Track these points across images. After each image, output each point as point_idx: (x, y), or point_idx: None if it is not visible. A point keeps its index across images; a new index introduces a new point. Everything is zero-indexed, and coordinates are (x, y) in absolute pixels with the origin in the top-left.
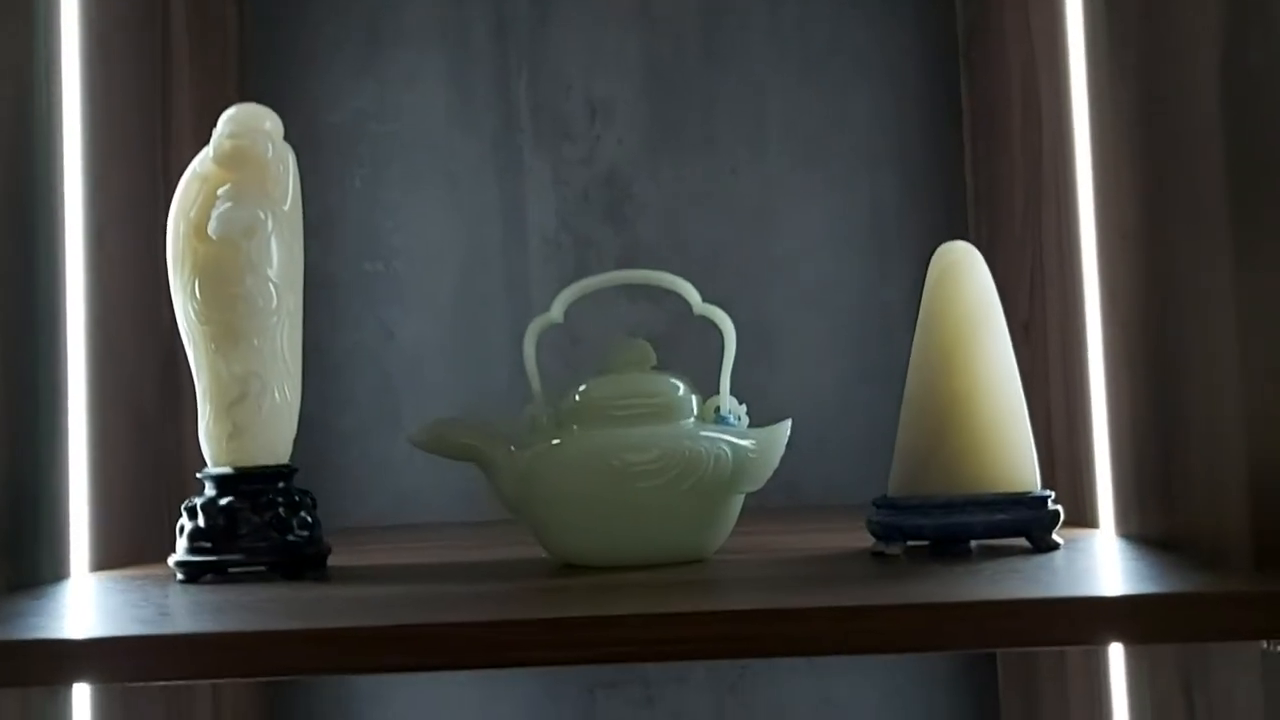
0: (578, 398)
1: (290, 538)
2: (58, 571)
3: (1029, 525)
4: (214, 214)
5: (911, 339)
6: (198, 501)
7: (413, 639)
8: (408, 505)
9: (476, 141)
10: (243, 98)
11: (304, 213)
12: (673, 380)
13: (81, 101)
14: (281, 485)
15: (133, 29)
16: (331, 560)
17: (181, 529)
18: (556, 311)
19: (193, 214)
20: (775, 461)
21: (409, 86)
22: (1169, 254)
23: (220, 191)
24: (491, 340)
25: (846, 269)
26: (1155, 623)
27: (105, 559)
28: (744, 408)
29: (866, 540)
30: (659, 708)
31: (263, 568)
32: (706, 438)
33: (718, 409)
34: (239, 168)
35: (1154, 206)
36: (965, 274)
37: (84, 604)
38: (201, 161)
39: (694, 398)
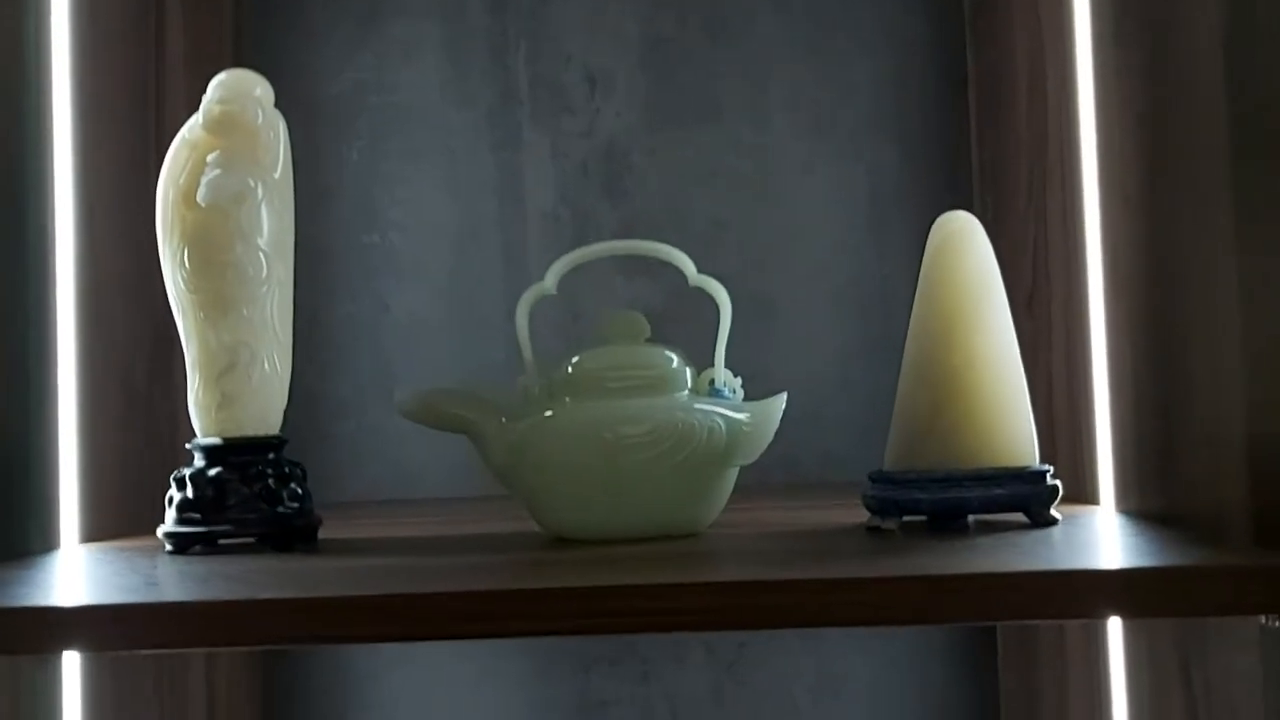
0: (570, 369)
1: (280, 509)
2: (47, 543)
3: (1027, 500)
4: (203, 181)
5: None
6: (186, 472)
7: (399, 609)
8: (403, 479)
9: (474, 114)
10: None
11: (301, 185)
12: (667, 352)
13: (72, 73)
14: (271, 456)
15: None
16: (323, 533)
17: (170, 500)
18: (550, 282)
19: (182, 181)
20: (770, 435)
21: (407, 59)
22: (1170, 227)
23: (209, 158)
24: (488, 314)
25: (849, 243)
26: (1152, 596)
27: (95, 531)
28: (739, 380)
29: (863, 515)
30: (655, 686)
31: (252, 539)
32: (700, 410)
33: (712, 381)
34: (228, 134)
35: (1156, 178)
36: (965, 244)
37: (71, 574)
38: (191, 128)
39: (688, 370)
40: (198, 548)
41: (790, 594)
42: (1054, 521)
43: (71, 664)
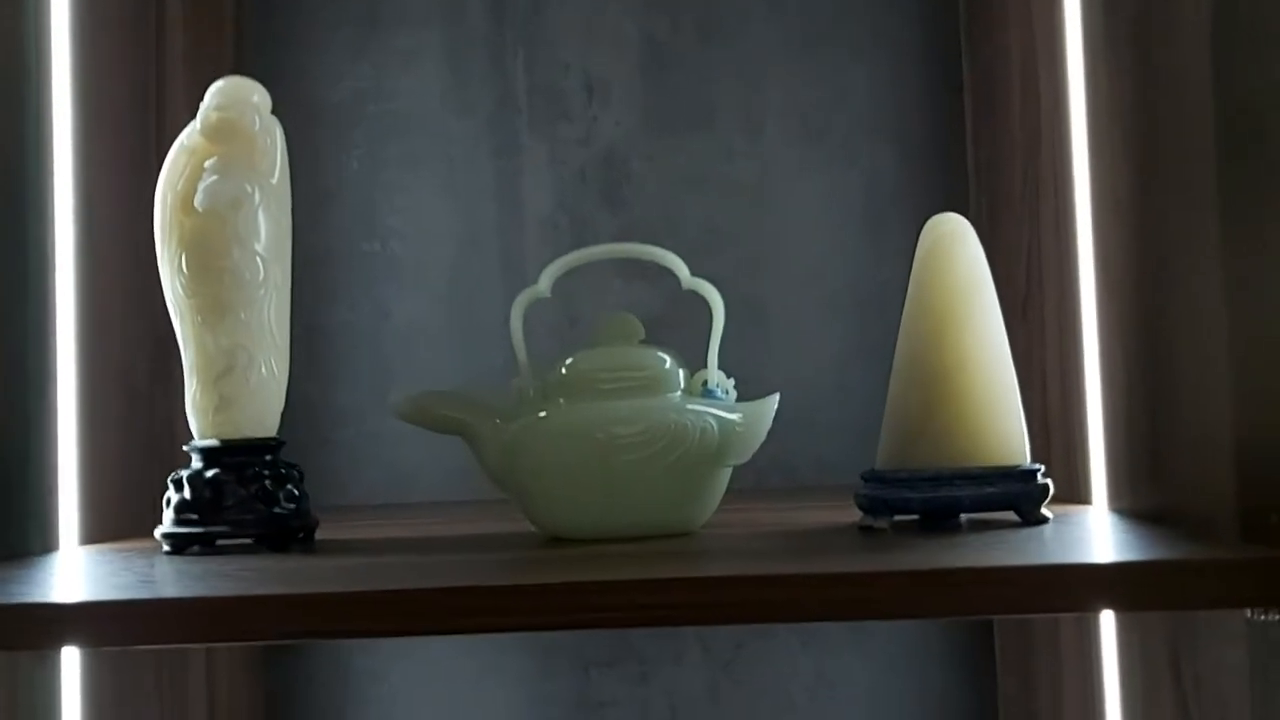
0: (564, 370)
1: (276, 510)
2: (46, 544)
3: (1018, 499)
4: (200, 186)
5: None
6: (184, 474)
7: (395, 604)
8: (403, 483)
9: (473, 122)
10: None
11: (301, 192)
12: (660, 354)
13: (73, 79)
14: (268, 458)
15: (127, 6)
16: (320, 534)
17: (168, 501)
18: (544, 285)
19: (180, 186)
20: (762, 435)
21: (406, 67)
22: (1160, 230)
23: (207, 164)
24: (487, 320)
25: (845, 247)
26: (1141, 590)
27: (94, 532)
28: (732, 381)
29: (855, 516)
30: (653, 685)
31: (249, 540)
32: (692, 411)
33: (705, 383)
34: (226, 140)
35: (1145, 182)
36: (956, 246)
37: (70, 573)
38: (189, 134)
39: (681, 371)
40: (195, 548)
41: (781, 588)
42: (1045, 520)
43: (71, 661)
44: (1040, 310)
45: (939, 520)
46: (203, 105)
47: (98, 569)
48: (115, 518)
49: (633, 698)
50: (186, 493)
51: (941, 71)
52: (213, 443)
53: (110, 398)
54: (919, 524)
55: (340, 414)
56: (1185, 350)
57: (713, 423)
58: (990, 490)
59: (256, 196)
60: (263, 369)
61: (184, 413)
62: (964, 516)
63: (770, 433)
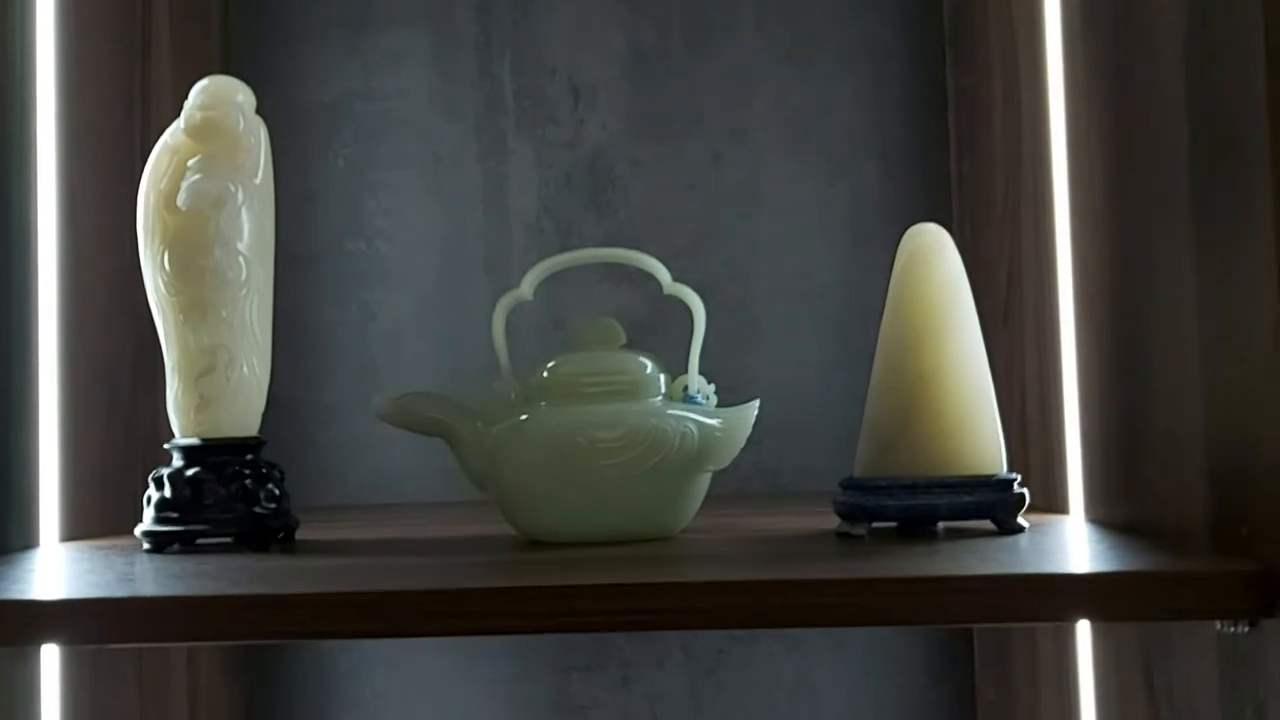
0: (546, 374)
1: (257, 509)
2: (27, 541)
3: (994, 507)
4: (184, 185)
5: None
6: (165, 472)
7: (373, 605)
8: (387, 484)
9: (460, 124)
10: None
11: (287, 192)
12: (640, 359)
13: (58, 77)
14: (249, 457)
15: (114, 5)
16: (301, 534)
17: (149, 499)
18: (526, 288)
19: (163, 185)
20: (742, 440)
21: (393, 68)
22: (1135, 243)
23: (190, 163)
24: (472, 322)
25: (829, 255)
26: (1111, 601)
27: (75, 529)
28: (712, 387)
29: (834, 522)
30: (635, 689)
31: (229, 539)
32: (673, 416)
33: (686, 388)
34: (210, 139)
35: (1123, 192)
36: (934, 256)
37: (50, 570)
38: (173, 133)
39: (662, 376)
40: (175, 547)
41: (753, 595)
42: (1021, 529)
43: (51, 659)
44: (1020, 320)
45: (916, 528)
46: (187, 104)
47: (78, 566)
48: (96, 515)
49: (614, 702)
50: (167, 491)
51: (926, 84)
52: (193, 441)
53: (92, 395)
54: (896, 531)
55: (324, 414)
56: (1160, 363)
57: (693, 428)
58: (967, 499)
59: (240, 196)
60: (244, 368)
61: (164, 411)
62: (941, 524)
63: (752, 438)
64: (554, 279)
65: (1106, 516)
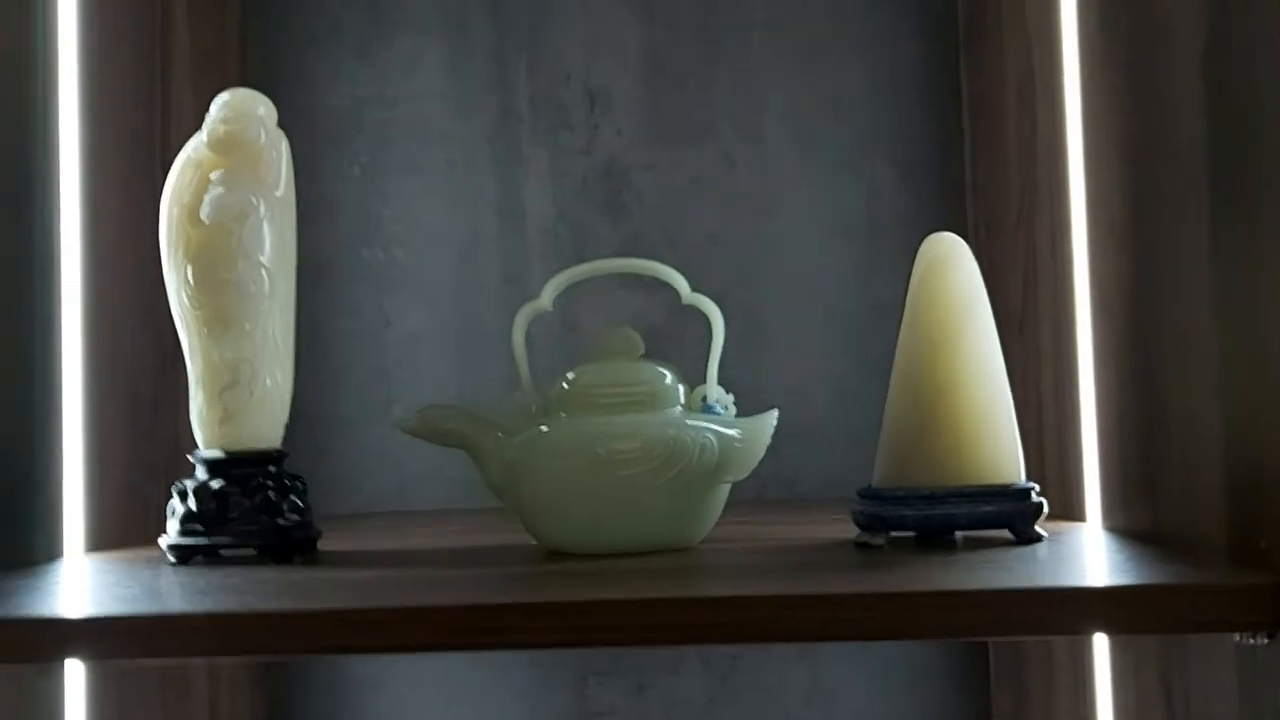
0: (565, 385)
1: (280, 521)
2: (51, 552)
3: (1012, 517)
4: (206, 199)
5: None
6: (189, 484)
7: (397, 622)
8: (402, 492)
9: (475, 130)
10: (243, 83)
11: (302, 198)
12: (660, 369)
13: (79, 86)
14: (272, 469)
15: (132, 13)
16: (322, 544)
17: (173, 511)
18: (546, 299)
19: (186, 199)
20: (761, 451)
21: (409, 74)
22: (1154, 250)
23: (213, 176)
24: (488, 328)
25: (844, 259)
26: (1130, 614)
27: (99, 540)
28: (731, 397)
29: (853, 531)
30: (651, 696)
31: (253, 550)
32: (692, 427)
33: (705, 398)
34: (232, 153)
35: (1141, 202)
36: (952, 266)
37: (75, 584)
38: (195, 146)
39: (681, 387)
40: (199, 558)
41: (773, 610)
42: (1039, 538)
43: (76, 671)
44: (1036, 327)
45: (934, 537)
46: (209, 118)
47: (104, 579)
48: (119, 525)
49: (630, 708)
50: (191, 503)
51: (940, 88)
52: (217, 454)
53: (114, 407)
54: (915, 541)
55: (339, 421)
56: (1177, 372)
57: (712, 439)
58: (985, 508)
59: (262, 209)
60: (267, 381)
61: (187, 422)
62: (959, 534)
63: (769, 445)
64: (568, 285)
65: (1124, 525)
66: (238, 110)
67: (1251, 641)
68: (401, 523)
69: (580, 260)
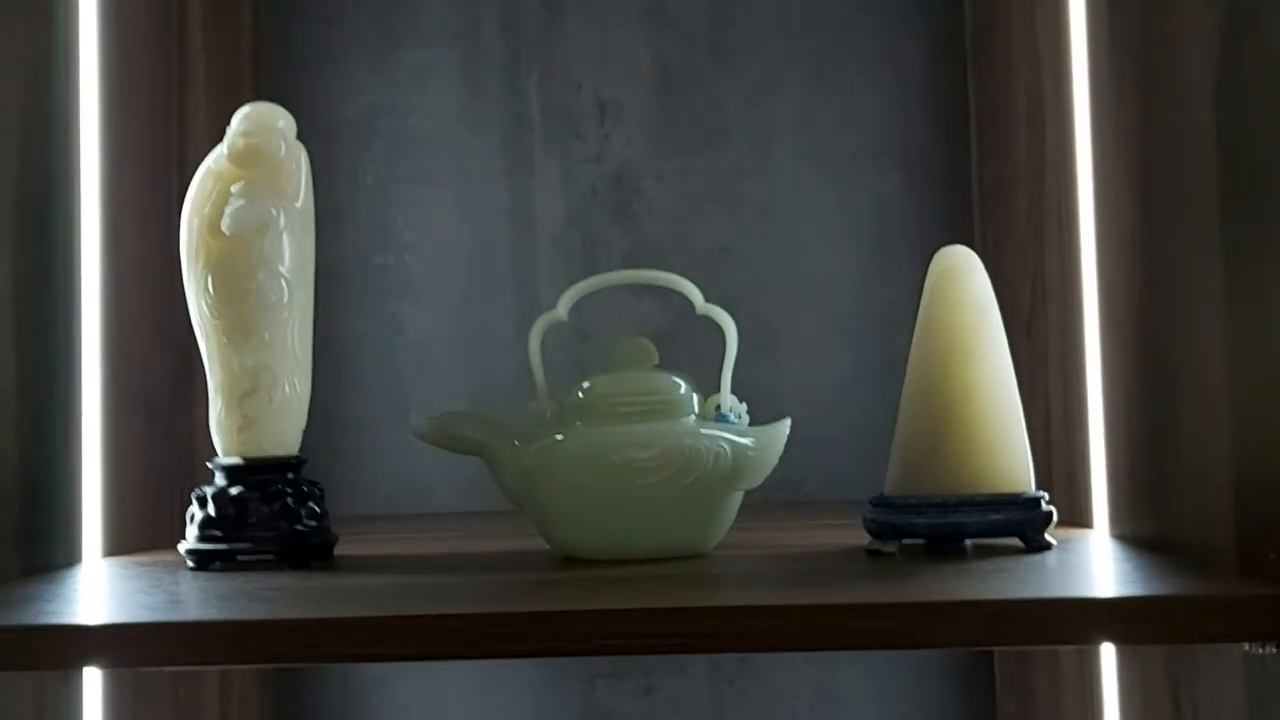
0: (581, 394)
1: (298, 527)
2: (70, 557)
3: (1022, 525)
4: (227, 210)
5: None
6: (208, 491)
7: (412, 630)
8: (415, 495)
9: (487, 139)
10: (257, 94)
11: (317, 207)
12: (674, 378)
13: (98, 98)
14: (290, 476)
15: (149, 27)
16: (338, 549)
17: (192, 517)
18: (562, 309)
19: (206, 210)
20: (774, 460)
21: (421, 84)
22: (1163, 261)
23: (234, 188)
24: (499, 336)
25: (852, 268)
26: (1139, 624)
27: (117, 545)
28: (744, 406)
29: (864, 538)
30: (659, 698)
31: (271, 556)
32: (706, 435)
33: (718, 407)
34: (252, 165)
35: (1150, 213)
36: (964, 278)
37: (95, 590)
38: (216, 159)
39: (695, 396)
40: (218, 564)
41: (787, 620)
42: (1048, 546)
43: (92, 679)
44: (1044, 335)
45: (945, 545)
46: (230, 130)
47: (123, 585)
48: (137, 530)
49: (637, 709)
50: (210, 509)
51: (948, 97)
52: (236, 461)
53: (132, 413)
54: (926, 548)
55: (353, 425)
56: (1186, 383)
57: (726, 447)
58: (995, 517)
59: (282, 220)
60: (286, 389)
61: (203, 429)
62: (969, 541)
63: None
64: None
65: (1132, 532)
66: (258, 123)
67: (1261, 651)
68: (415, 526)
69: (590, 267)
